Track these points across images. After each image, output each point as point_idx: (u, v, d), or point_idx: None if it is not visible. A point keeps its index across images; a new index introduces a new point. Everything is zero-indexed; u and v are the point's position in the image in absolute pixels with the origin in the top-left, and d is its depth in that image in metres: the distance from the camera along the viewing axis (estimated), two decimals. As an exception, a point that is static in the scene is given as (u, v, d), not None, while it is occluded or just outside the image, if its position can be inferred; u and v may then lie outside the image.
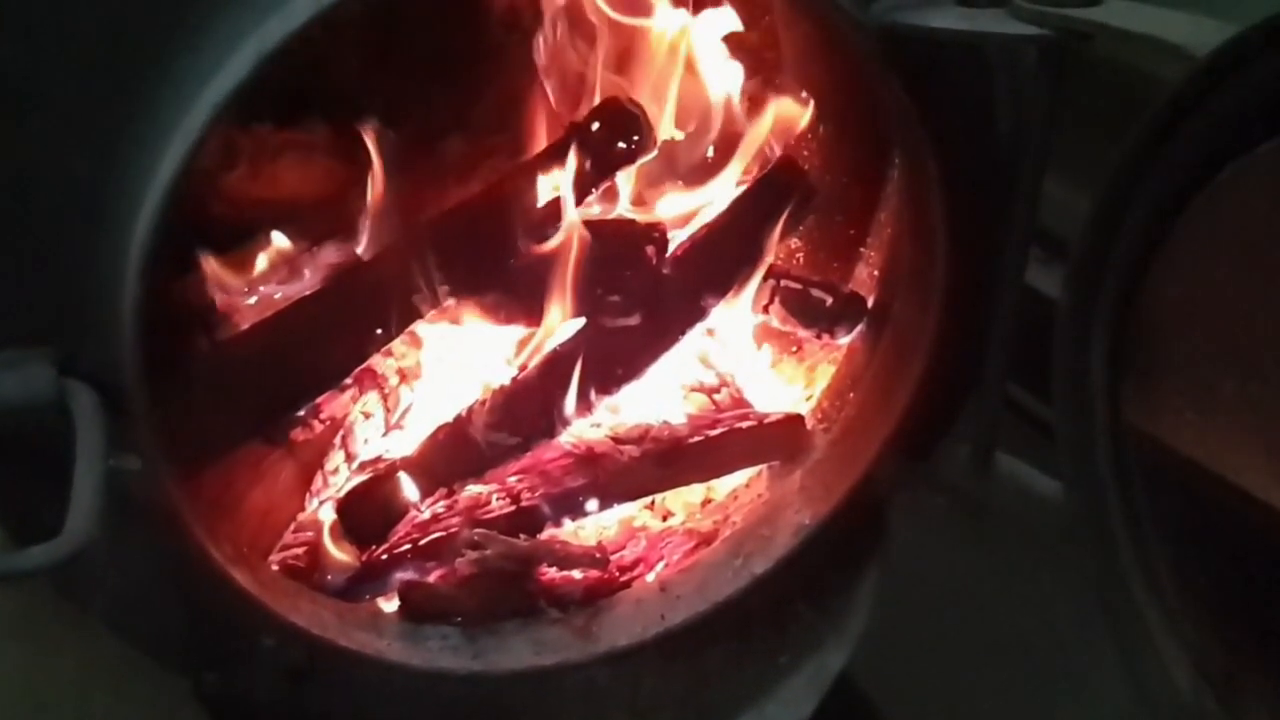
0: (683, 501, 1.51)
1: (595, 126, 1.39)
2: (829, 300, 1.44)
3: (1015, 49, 1.12)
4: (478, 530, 1.30)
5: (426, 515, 1.33)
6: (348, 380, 1.33)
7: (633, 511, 1.49)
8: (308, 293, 1.29)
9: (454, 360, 1.42)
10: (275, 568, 1.29)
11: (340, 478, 1.36)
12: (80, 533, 0.89)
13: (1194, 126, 0.91)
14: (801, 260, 1.58)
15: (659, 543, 1.43)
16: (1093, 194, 1.01)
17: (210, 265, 1.26)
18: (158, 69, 0.94)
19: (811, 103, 1.45)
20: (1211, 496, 0.98)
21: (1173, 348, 1.00)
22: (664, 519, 1.50)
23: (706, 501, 1.51)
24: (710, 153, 1.48)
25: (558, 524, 1.37)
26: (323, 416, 1.33)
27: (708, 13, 1.42)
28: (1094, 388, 1.09)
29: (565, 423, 1.35)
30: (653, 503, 1.50)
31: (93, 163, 0.95)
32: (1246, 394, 0.93)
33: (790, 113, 1.45)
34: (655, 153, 1.41)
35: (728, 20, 1.43)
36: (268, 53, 0.89)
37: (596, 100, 1.42)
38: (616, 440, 1.38)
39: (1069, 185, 1.13)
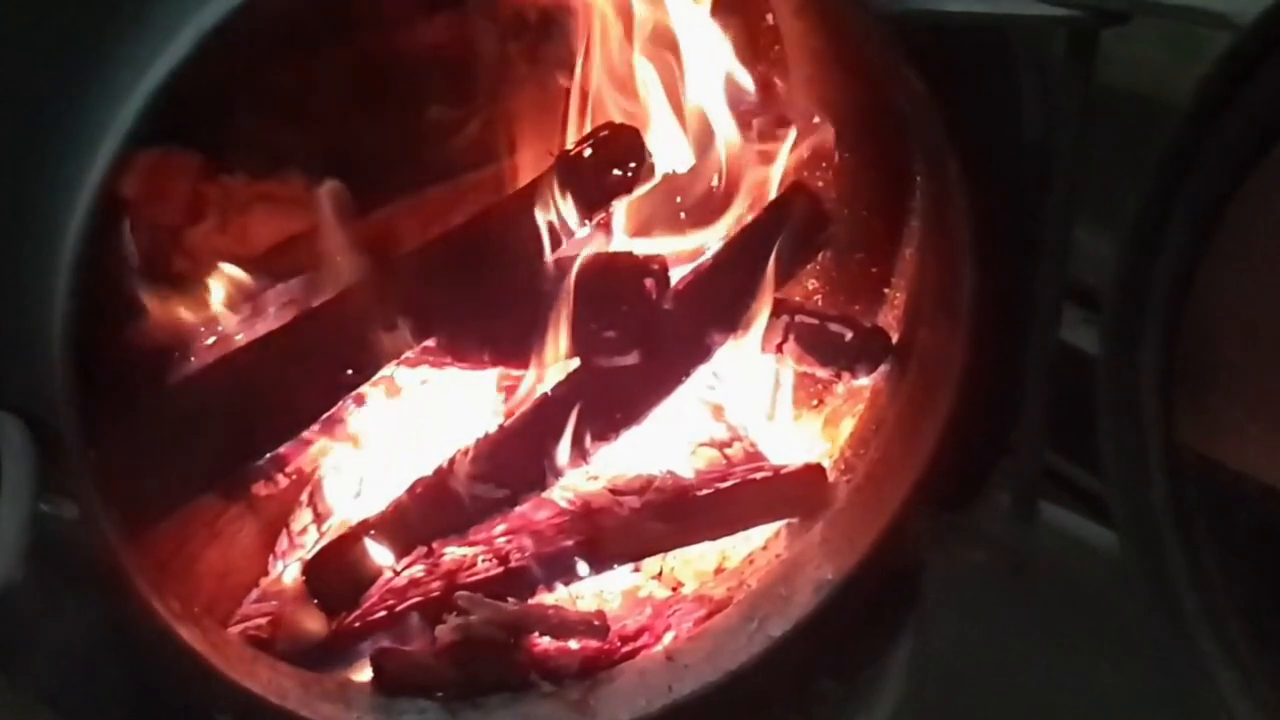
0: (693, 570, 1.46)
1: (588, 153, 1.37)
2: (848, 335, 1.39)
3: (1043, 36, 1.09)
4: (461, 594, 1.25)
5: (404, 579, 1.28)
6: (316, 429, 1.29)
7: (638, 581, 1.44)
8: (269, 330, 1.26)
9: (436, 408, 1.38)
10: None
11: (308, 538, 1.31)
12: (-1, 573, 0.85)
13: (1242, 99, 0.88)
14: (820, 302, 1.54)
15: (666, 611, 1.37)
16: (1136, 190, 0.97)
17: (163, 300, 1.22)
18: (91, 62, 0.92)
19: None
20: (1283, 526, 0.93)
21: (1229, 354, 0.96)
22: (674, 590, 1.44)
23: (720, 569, 1.45)
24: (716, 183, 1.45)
25: (551, 588, 1.32)
26: (288, 470, 1.29)
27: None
28: (1145, 411, 1.05)
29: (558, 473, 1.31)
30: (660, 572, 1.45)
31: (19, 166, 0.93)
32: (1317, 396, 0.88)
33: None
34: (655, 180, 1.38)
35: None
36: (209, 29, 0.87)
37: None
38: (615, 492, 1.33)
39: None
